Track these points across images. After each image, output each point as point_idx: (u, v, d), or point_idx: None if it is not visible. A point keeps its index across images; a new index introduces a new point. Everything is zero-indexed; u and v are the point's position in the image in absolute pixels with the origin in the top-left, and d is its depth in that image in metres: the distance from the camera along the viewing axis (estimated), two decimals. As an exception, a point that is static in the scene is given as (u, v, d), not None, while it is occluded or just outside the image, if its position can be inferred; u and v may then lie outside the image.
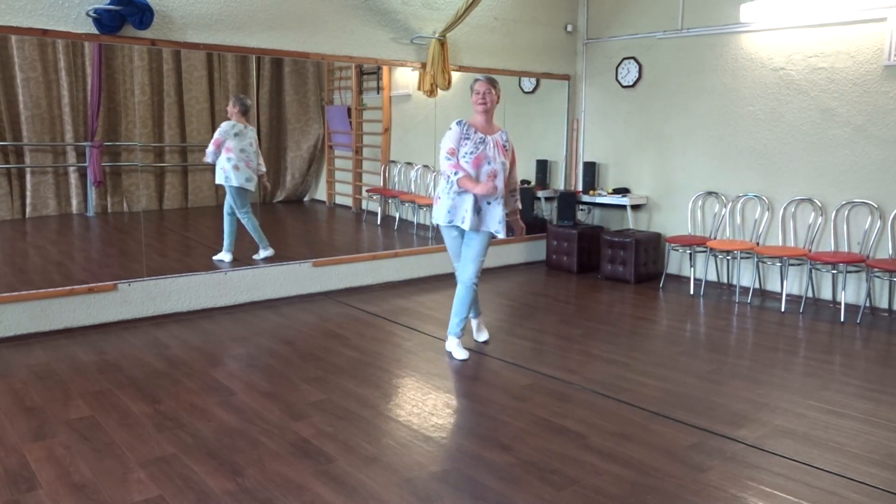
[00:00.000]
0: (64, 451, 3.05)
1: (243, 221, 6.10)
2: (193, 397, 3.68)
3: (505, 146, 4.23)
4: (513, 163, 4.33)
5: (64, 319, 4.77)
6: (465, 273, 4.28)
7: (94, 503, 2.64)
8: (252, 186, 6.09)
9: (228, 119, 5.99)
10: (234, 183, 5.96)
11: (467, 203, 4.13)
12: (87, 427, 3.30)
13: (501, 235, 4.22)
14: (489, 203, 4.18)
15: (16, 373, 4.00)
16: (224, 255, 5.99)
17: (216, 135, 5.95)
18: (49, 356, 4.29)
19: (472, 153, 4.09)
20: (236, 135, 5.95)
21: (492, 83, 4.19)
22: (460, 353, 4.35)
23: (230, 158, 5.93)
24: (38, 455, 3.02)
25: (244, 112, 6.03)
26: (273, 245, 6.15)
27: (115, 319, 4.97)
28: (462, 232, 4.29)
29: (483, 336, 4.69)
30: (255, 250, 6.13)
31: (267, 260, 5.98)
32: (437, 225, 4.34)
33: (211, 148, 5.94)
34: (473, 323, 4.70)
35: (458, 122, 4.18)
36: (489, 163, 4.12)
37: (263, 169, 6.28)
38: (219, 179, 6.01)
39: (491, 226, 4.20)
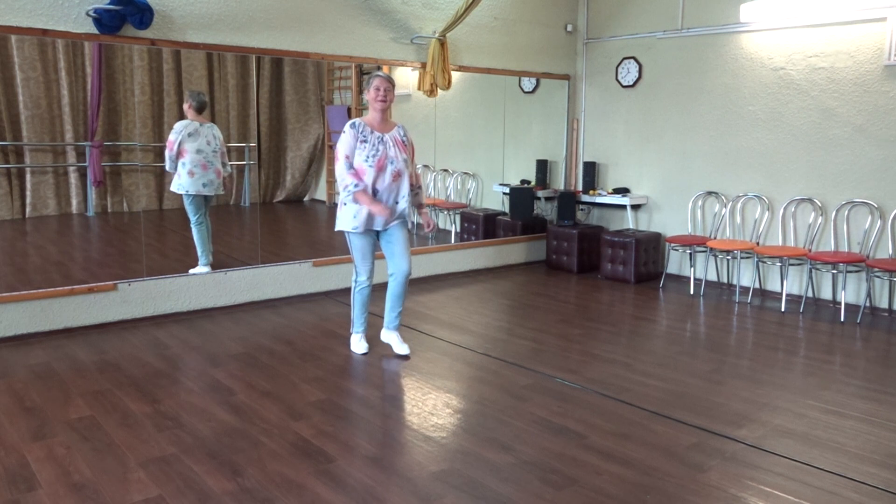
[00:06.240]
0: (64, 451, 3.05)
1: (193, 231, 5.68)
2: (193, 397, 3.68)
3: (404, 142, 4.15)
4: (412, 157, 4.24)
5: (64, 319, 4.77)
6: (404, 265, 4.25)
7: (94, 503, 2.64)
8: (211, 191, 5.71)
9: (186, 118, 5.64)
10: (191, 190, 5.59)
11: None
12: (87, 427, 3.30)
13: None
14: (397, 202, 4.16)
15: (16, 373, 4.00)
16: (201, 268, 5.63)
17: (170, 136, 5.54)
18: (49, 356, 4.29)
19: (374, 155, 4.00)
20: (190, 135, 5.57)
21: (390, 80, 4.11)
22: (361, 348, 4.45)
23: (184, 163, 5.55)
24: (38, 455, 3.02)
25: (200, 109, 5.63)
26: (273, 245, 6.08)
27: (115, 319, 4.97)
28: (376, 233, 4.25)
29: (405, 349, 4.47)
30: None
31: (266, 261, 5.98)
32: (345, 232, 4.23)
33: (167, 153, 5.51)
34: (395, 337, 4.49)
35: (353, 125, 4.06)
36: (392, 163, 4.05)
37: (228, 170, 5.85)
38: (173, 187, 5.63)
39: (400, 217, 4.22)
